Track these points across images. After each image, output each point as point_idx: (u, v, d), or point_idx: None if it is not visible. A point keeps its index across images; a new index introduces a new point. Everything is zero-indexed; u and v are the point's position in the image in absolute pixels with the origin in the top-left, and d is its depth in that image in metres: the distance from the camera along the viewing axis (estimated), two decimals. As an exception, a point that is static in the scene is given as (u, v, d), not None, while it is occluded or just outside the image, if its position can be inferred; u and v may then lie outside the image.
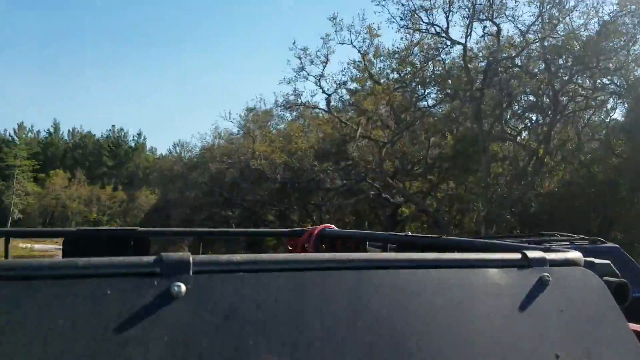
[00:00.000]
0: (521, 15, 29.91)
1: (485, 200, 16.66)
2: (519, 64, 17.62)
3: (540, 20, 17.28)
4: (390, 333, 0.77)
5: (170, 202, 27.22)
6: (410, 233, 1.78)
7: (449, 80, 17.97)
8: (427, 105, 20.58)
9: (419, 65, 19.24)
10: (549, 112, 18.04)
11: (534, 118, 22.50)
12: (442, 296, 0.82)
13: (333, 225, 2.35)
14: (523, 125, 23.21)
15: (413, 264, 0.85)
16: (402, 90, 20.20)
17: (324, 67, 21.37)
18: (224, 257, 0.81)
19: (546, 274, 0.87)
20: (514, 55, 17.24)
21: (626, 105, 22.38)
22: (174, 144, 43.80)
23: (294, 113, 26.38)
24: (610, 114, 23.57)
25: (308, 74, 21.73)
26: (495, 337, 0.80)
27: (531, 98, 19.54)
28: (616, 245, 6.85)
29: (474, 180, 18.24)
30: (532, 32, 17.66)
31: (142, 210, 33.82)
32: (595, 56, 17.14)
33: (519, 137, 22.29)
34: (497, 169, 22.97)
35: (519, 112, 20.73)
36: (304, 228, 2.33)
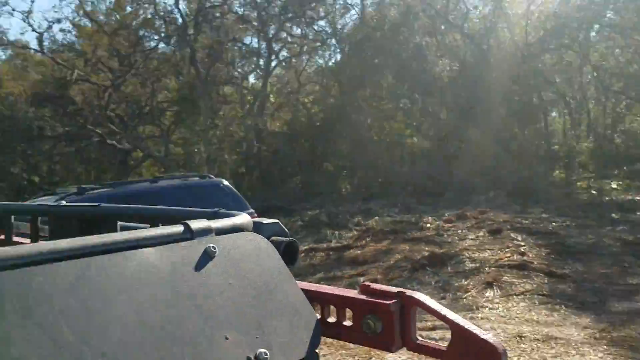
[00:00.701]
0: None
1: (207, 143, 17.43)
2: (235, 11, 18.45)
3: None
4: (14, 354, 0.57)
5: None
6: (64, 203, 1.51)
7: (162, 24, 17.89)
8: (147, 47, 20.17)
9: (136, 6, 18.63)
10: (266, 58, 19.45)
11: (259, 63, 24.01)
12: (87, 292, 0.65)
13: None
14: (249, 69, 24.59)
15: (45, 258, 0.66)
16: (122, 31, 19.36)
17: (32, 2, 19.13)
18: None
19: (211, 244, 0.79)
20: (220, 3, 17.94)
21: (335, 51, 25.53)
22: None
23: (8, 52, 23.25)
24: (328, 59, 26.56)
25: (13, 9, 19.27)
26: (158, 327, 0.67)
27: (248, 43, 20.70)
28: (222, 179, 7.58)
29: (199, 123, 18.87)
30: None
31: None
32: (301, 6, 18.91)
33: (245, 81, 23.61)
34: (229, 112, 24.11)
35: (241, 57, 21.81)
36: None
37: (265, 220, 0.98)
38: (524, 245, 9.56)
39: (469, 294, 7.16)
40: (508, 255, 8.85)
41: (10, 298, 0.58)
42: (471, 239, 10.51)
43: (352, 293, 0.91)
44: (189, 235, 0.80)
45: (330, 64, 26.18)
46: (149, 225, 1.06)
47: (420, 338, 0.86)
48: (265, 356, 0.73)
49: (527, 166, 16.20)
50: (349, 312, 0.90)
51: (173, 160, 18.78)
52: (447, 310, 0.83)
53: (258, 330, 0.75)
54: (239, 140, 19.15)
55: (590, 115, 22.80)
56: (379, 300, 0.85)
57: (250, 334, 0.74)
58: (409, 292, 0.86)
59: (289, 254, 0.91)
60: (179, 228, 0.80)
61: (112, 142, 17.75)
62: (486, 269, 8.08)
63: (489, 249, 9.43)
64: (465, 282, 7.59)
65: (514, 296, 6.79)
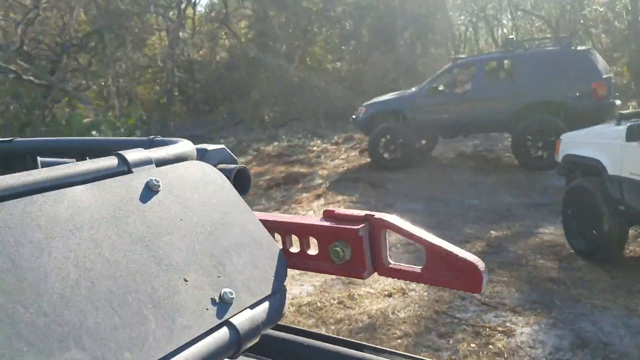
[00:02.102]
0: None
1: (114, 75, 17.75)
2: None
3: None
4: None
5: None
6: None
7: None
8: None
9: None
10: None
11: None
12: (11, 241, 0.53)
13: None
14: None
15: None
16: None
17: None
18: None
19: (153, 177, 0.69)
20: None
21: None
22: None
23: None
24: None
25: None
26: (105, 276, 0.57)
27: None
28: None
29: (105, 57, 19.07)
30: None
31: None
32: None
33: (172, 11, 23.49)
34: (154, 41, 24.18)
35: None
36: None
37: (210, 147, 0.88)
38: (377, 162, 10.66)
39: (300, 205, 8.24)
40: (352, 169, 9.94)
41: None
42: (341, 159, 11.56)
43: (315, 220, 0.85)
44: (125, 168, 0.70)
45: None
46: (74, 160, 0.88)
47: (392, 262, 0.81)
48: (231, 296, 0.65)
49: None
50: (312, 241, 0.84)
51: (88, 95, 19.11)
52: (420, 230, 0.77)
53: (219, 269, 0.67)
54: (158, 71, 19.41)
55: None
56: (345, 226, 0.79)
57: (210, 273, 0.66)
58: (377, 215, 0.80)
59: (240, 182, 0.83)
60: (112, 160, 0.70)
61: (29, 79, 17.91)
62: (327, 183, 9.16)
63: (345, 167, 10.50)
64: (305, 196, 8.66)
65: (334, 203, 7.88)
